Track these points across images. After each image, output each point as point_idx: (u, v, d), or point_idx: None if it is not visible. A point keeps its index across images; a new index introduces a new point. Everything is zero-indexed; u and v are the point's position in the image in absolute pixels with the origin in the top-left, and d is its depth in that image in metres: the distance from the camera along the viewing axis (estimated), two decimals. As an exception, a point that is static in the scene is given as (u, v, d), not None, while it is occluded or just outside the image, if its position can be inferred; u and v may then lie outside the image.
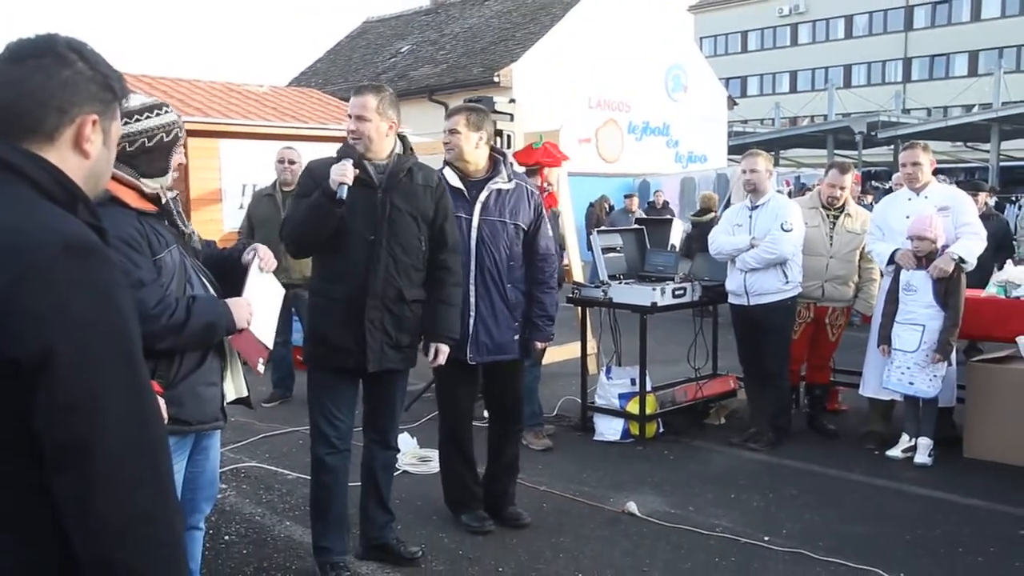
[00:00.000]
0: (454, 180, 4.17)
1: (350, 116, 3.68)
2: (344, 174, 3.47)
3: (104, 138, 1.51)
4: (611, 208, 16.65)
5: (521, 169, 5.70)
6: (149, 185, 2.63)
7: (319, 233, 3.57)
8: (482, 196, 4.16)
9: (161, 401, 2.44)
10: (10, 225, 1.30)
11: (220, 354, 2.80)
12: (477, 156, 4.19)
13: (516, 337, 4.30)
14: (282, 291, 3.16)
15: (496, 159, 4.26)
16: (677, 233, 7.30)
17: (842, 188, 6.07)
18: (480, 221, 4.15)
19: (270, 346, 2.97)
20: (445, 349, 3.86)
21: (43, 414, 1.26)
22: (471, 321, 4.17)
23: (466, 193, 4.17)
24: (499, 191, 4.19)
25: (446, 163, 4.28)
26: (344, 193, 3.48)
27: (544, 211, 4.45)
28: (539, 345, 4.44)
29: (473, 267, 4.15)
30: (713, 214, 12.42)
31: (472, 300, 4.17)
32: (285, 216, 3.91)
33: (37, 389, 1.26)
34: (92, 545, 1.29)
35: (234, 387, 2.92)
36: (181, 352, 2.59)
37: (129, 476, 1.30)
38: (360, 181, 3.55)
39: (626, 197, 15.87)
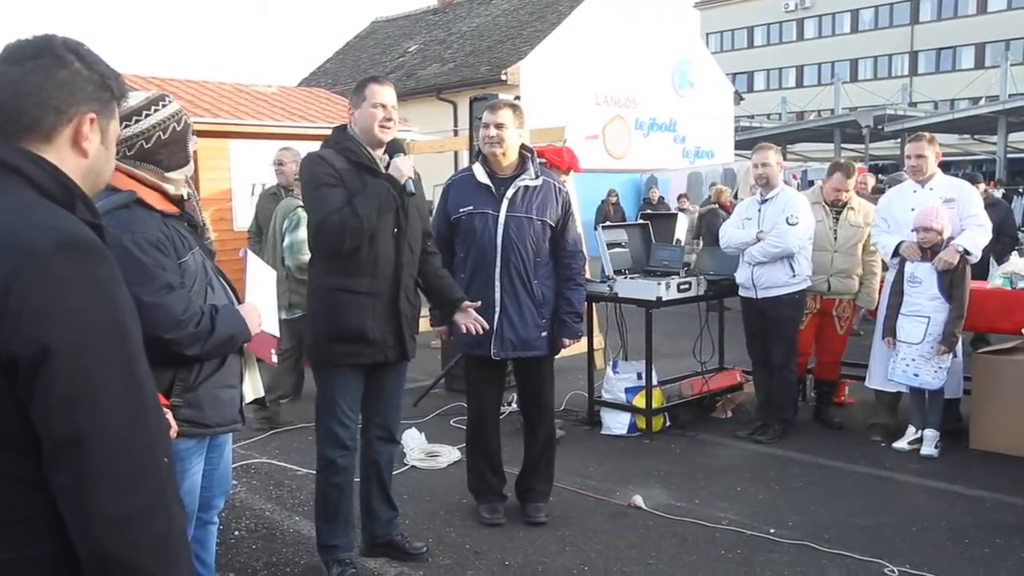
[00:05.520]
0: (482, 176, 4.20)
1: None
2: (409, 169, 3.60)
3: (102, 137, 1.52)
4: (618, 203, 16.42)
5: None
6: (174, 181, 2.60)
7: (375, 228, 3.53)
8: (509, 192, 4.17)
9: (168, 413, 2.41)
10: (7, 223, 1.32)
11: (239, 356, 2.79)
12: (513, 152, 4.23)
13: (543, 334, 4.29)
14: (272, 272, 3.17)
15: (524, 156, 4.27)
16: (682, 228, 7.29)
17: (847, 192, 6.11)
18: (507, 217, 4.16)
19: (277, 333, 2.98)
20: (472, 313, 3.92)
21: (41, 410, 1.28)
22: (496, 316, 4.17)
23: (493, 190, 4.19)
24: (526, 187, 4.20)
25: (479, 158, 4.30)
26: (412, 187, 3.61)
27: (572, 208, 4.46)
28: (567, 342, 4.40)
29: (499, 263, 4.16)
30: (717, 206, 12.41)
31: (497, 295, 4.18)
32: (324, 211, 3.46)
33: (35, 385, 1.27)
34: (89, 540, 1.29)
35: (252, 387, 2.92)
36: (202, 359, 2.57)
37: (127, 472, 1.31)
38: (374, 173, 3.57)
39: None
